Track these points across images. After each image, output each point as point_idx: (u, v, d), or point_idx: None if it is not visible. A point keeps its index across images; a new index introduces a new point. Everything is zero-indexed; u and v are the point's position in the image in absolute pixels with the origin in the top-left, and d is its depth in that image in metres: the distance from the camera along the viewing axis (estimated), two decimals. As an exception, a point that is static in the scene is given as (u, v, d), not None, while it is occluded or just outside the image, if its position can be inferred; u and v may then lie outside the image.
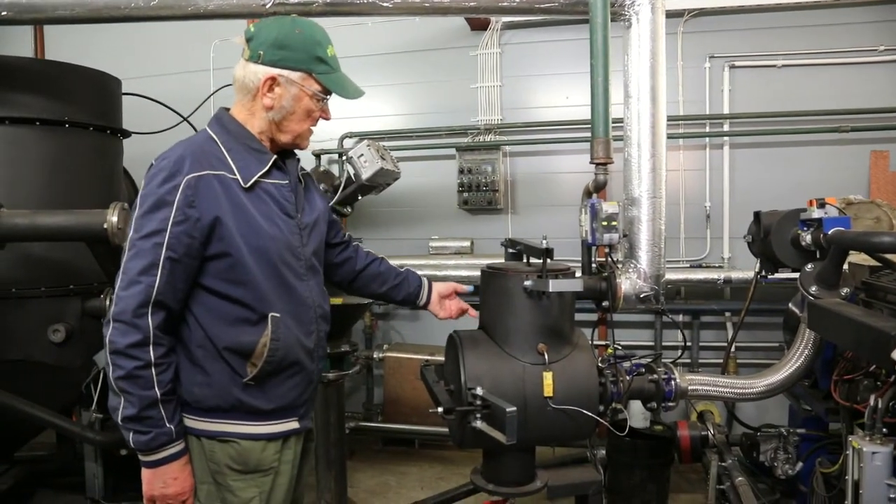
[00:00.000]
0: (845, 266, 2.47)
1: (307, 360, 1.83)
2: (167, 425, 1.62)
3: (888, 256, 2.33)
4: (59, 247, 3.03)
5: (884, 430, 2.01)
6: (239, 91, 1.79)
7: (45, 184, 3.10)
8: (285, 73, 1.73)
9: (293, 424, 1.82)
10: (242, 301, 1.69)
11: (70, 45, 5.06)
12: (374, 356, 4.67)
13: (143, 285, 1.58)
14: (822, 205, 2.51)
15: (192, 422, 1.71)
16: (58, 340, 3.01)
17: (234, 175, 1.70)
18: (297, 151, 1.93)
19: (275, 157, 1.79)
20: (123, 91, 3.64)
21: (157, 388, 1.59)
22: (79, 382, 3.28)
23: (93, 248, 2.80)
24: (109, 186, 3.41)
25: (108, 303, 3.05)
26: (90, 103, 3.32)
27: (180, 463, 1.67)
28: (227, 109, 1.83)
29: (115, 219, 2.64)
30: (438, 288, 2.32)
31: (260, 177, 1.73)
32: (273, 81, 1.73)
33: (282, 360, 1.74)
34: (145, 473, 1.66)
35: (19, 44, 5.34)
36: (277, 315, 1.72)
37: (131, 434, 1.61)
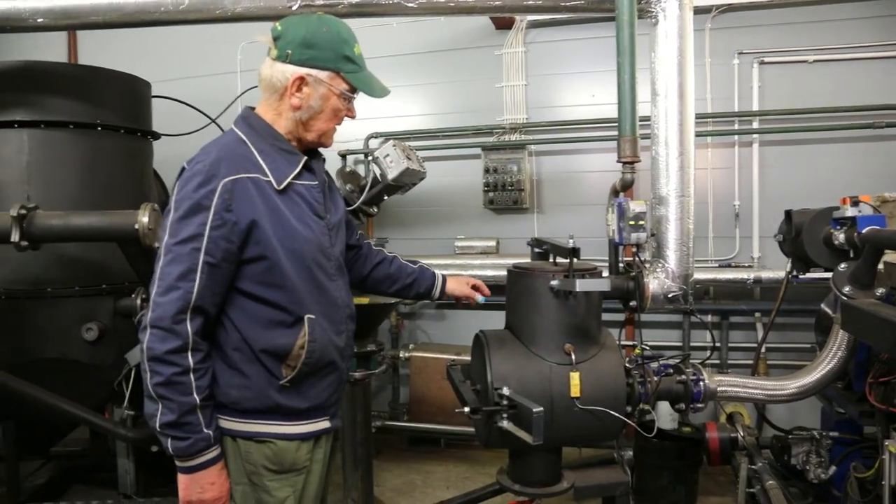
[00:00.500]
0: (880, 266, 2.42)
1: (340, 359, 1.84)
2: (205, 430, 1.61)
3: (925, 256, 2.28)
4: (93, 247, 3.09)
5: (921, 433, 1.96)
6: (265, 90, 1.77)
7: (78, 185, 3.17)
8: (314, 72, 1.72)
9: (325, 424, 1.84)
10: (279, 304, 1.69)
11: (101, 50, 5.16)
12: (401, 355, 4.69)
13: (182, 291, 1.56)
14: (855, 203, 2.46)
15: (227, 423, 1.71)
16: (91, 339, 3.07)
17: (267, 177, 1.69)
18: (322, 151, 1.93)
19: (305, 158, 1.79)
20: (153, 94, 3.70)
21: (195, 394, 1.58)
22: (111, 380, 3.35)
23: (124, 249, 2.85)
24: (140, 187, 3.47)
25: (138, 302, 3.11)
26: (121, 106, 3.38)
27: (217, 468, 1.66)
28: (252, 108, 1.82)
29: (145, 219, 2.68)
30: (451, 288, 2.31)
31: (292, 178, 1.73)
32: (302, 81, 1.71)
33: (318, 361, 1.75)
34: (182, 479, 1.64)
35: (53, 49, 5.46)
36: (313, 317, 1.73)
37: (170, 440, 1.59)
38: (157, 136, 3.68)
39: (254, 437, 1.72)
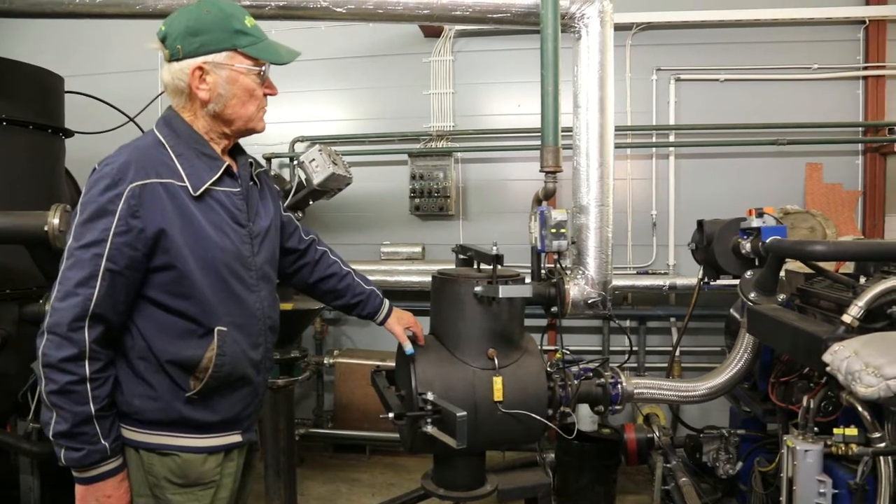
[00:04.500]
0: (782, 273, 2.58)
1: (253, 373, 1.77)
2: (102, 442, 1.55)
3: (821, 264, 2.44)
4: (-5, 249, 2.91)
5: (815, 429, 2.10)
6: (173, 96, 1.69)
7: (-20, 184, 2.98)
8: (210, 58, 1.62)
9: (236, 438, 1.77)
10: (188, 314, 1.63)
11: (11, 41, 4.88)
12: (325, 362, 4.63)
13: (81, 298, 1.51)
14: (760, 214, 2.61)
15: (130, 433, 1.64)
16: (-8, 347, 2.89)
17: (183, 182, 1.61)
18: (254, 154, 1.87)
19: (226, 164, 1.71)
20: (67, 89, 3.53)
21: (91, 404, 1.52)
22: (15, 391, 3.15)
23: (32, 252, 2.70)
24: (50, 187, 3.29)
25: (46, 307, 2.94)
26: (30, 101, 3.20)
27: (116, 480, 1.60)
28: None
29: (56, 221, 2.55)
30: (390, 324, 2.21)
31: (210, 184, 1.65)
32: (201, 71, 1.62)
33: (228, 375, 1.68)
34: (78, 489, 1.59)
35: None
36: (224, 329, 1.66)
37: (63, 451, 1.54)
38: (69, 133, 3.50)
39: (156, 449, 1.65)
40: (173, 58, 1.63)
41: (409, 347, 2.23)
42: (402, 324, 2.22)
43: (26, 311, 3.00)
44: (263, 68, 1.70)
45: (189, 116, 1.70)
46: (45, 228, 2.55)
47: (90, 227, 1.53)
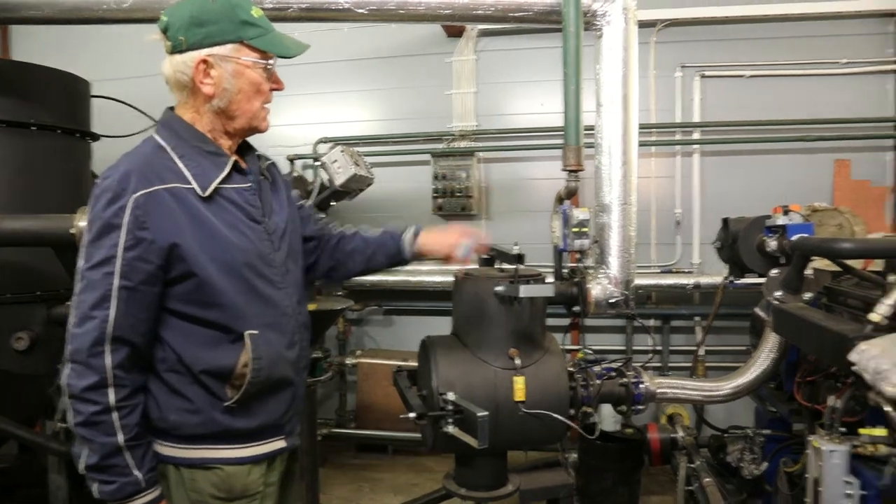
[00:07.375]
0: (809, 271, 2.53)
1: (292, 373, 1.68)
2: (134, 473, 1.46)
3: (849, 262, 2.39)
4: (25, 252, 2.97)
5: (842, 429, 2.06)
6: (175, 90, 1.58)
7: (9, 187, 3.03)
8: (215, 50, 1.52)
9: (279, 444, 1.68)
10: (216, 322, 1.53)
11: (42, 47, 4.97)
12: (347, 362, 4.66)
13: (97, 321, 1.42)
14: (786, 211, 2.57)
15: (170, 450, 1.56)
16: (21, 348, 2.94)
17: (190, 184, 1.51)
18: (266, 151, 1.80)
19: (233, 159, 1.61)
20: (94, 93, 3.59)
21: (120, 434, 1.44)
22: (43, 391, 3.21)
23: (60, 254, 2.75)
24: (77, 190, 3.35)
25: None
26: (57, 105, 3.26)
27: None
28: (173, 109, 1.62)
29: (82, 224, 2.59)
30: (427, 245, 2.03)
31: (219, 183, 1.55)
32: (206, 64, 1.52)
33: (267, 379, 1.59)
34: None
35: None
36: (256, 332, 1.56)
37: (96, 484, 1.47)
38: (96, 137, 3.56)
39: (199, 465, 1.57)
40: (175, 49, 1.52)
41: (459, 250, 2.03)
42: (440, 238, 2.04)
43: (54, 313, 3.05)
44: (270, 62, 1.60)
45: (191, 114, 1.60)
46: (72, 231, 2.59)
47: (98, 245, 1.45)
